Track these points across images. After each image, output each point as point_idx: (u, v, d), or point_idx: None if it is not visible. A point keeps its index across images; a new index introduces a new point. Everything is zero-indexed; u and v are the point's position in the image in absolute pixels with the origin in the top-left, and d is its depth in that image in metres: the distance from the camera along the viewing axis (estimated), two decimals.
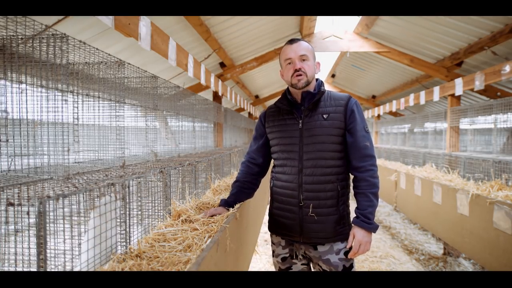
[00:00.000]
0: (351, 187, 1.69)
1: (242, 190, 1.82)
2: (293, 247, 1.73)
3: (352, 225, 1.62)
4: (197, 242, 1.35)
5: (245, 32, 5.02)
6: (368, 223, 1.56)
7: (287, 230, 1.69)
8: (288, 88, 1.73)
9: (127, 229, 1.42)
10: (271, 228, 1.79)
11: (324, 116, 1.61)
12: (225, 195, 2.22)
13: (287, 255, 1.74)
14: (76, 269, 1.13)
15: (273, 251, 1.81)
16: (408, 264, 4.15)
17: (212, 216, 1.70)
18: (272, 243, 1.82)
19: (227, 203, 1.79)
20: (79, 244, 1.18)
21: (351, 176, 1.69)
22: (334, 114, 1.61)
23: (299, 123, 1.65)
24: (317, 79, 1.72)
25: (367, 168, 1.59)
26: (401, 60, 5.58)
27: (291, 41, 1.64)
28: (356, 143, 1.59)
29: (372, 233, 1.59)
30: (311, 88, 1.67)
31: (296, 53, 1.61)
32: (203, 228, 1.52)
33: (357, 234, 1.57)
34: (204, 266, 1.12)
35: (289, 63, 1.63)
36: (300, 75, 1.60)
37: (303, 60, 1.61)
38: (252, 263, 3.82)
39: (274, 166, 1.78)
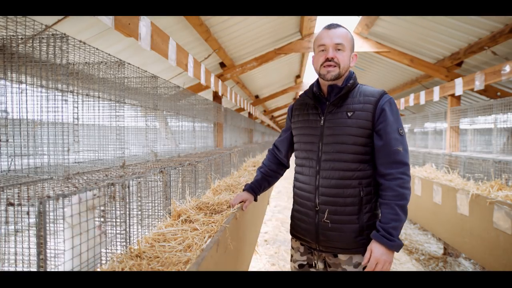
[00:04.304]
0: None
1: (265, 178, 1.80)
2: (312, 256, 1.61)
3: (371, 239, 1.40)
4: (197, 242, 1.35)
5: (245, 32, 5.02)
6: (389, 239, 1.34)
7: (303, 235, 1.58)
8: (317, 79, 1.58)
9: (127, 229, 1.42)
10: (291, 231, 1.70)
11: (349, 113, 1.44)
12: (225, 195, 2.22)
13: (305, 262, 1.64)
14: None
15: (292, 256, 1.72)
16: (408, 264, 4.15)
17: (241, 202, 1.79)
18: (292, 247, 1.72)
19: (251, 188, 1.80)
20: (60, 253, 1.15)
21: None
22: (360, 112, 1.43)
23: (321, 120, 1.50)
24: (349, 71, 1.54)
25: (396, 176, 1.38)
26: (401, 60, 5.59)
27: (329, 26, 1.47)
28: (386, 147, 1.40)
29: (395, 252, 1.37)
30: (339, 81, 1.50)
31: (332, 40, 1.43)
32: (203, 228, 1.52)
33: (374, 250, 1.36)
34: (204, 266, 1.12)
35: (322, 50, 1.46)
36: (331, 66, 1.44)
37: (339, 49, 1.44)
38: (252, 263, 3.82)
39: (295, 165, 1.67)
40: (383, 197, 1.41)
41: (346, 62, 1.45)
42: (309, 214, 1.54)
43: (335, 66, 1.44)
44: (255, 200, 1.86)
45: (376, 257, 1.35)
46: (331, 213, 1.46)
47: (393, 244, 1.34)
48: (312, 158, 1.52)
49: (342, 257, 1.49)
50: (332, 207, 1.46)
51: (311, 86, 1.58)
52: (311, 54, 7.75)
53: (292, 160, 1.77)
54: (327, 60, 1.43)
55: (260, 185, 1.80)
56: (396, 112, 1.44)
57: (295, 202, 1.65)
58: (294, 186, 1.65)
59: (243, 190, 1.83)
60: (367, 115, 1.42)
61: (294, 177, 1.65)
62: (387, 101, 1.43)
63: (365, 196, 1.45)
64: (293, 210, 1.67)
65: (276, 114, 18.79)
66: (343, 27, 1.47)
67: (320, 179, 1.49)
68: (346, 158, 1.44)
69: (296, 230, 1.64)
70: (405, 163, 1.40)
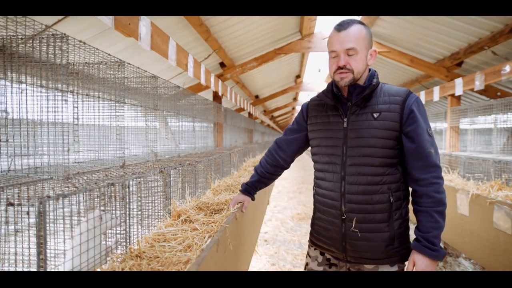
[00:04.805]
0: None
1: (261, 180, 1.76)
2: (330, 268, 1.53)
3: (412, 250, 1.33)
4: (197, 242, 1.35)
5: (245, 32, 5.02)
6: (432, 250, 1.26)
7: (328, 245, 1.48)
8: None
9: (127, 229, 1.42)
10: (311, 240, 1.60)
11: (374, 115, 1.34)
12: (225, 195, 2.22)
13: None
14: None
15: (307, 264, 1.62)
16: None
17: (238, 203, 1.84)
18: (308, 255, 1.62)
19: (246, 190, 1.80)
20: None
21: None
22: (386, 113, 1.33)
23: (344, 122, 1.40)
24: (370, 69, 1.44)
25: (431, 181, 1.30)
26: (401, 60, 5.59)
27: (339, 27, 1.34)
28: (418, 150, 1.31)
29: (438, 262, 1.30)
30: (360, 81, 1.40)
31: (342, 45, 1.32)
32: (203, 228, 1.52)
33: (418, 262, 1.28)
34: (204, 266, 1.12)
35: (334, 56, 1.37)
36: (344, 73, 1.35)
37: (350, 54, 1.33)
38: (252, 263, 3.82)
39: (315, 170, 1.58)
40: (420, 204, 1.32)
41: (360, 66, 1.35)
42: (334, 223, 1.43)
43: (348, 73, 1.34)
44: (253, 199, 1.86)
45: (421, 269, 1.28)
46: (358, 221, 1.36)
47: (437, 254, 1.26)
48: (335, 163, 1.41)
49: (367, 266, 1.41)
50: (359, 215, 1.36)
51: (330, 85, 1.48)
52: (311, 54, 7.76)
53: (300, 163, 1.73)
54: (339, 67, 1.35)
55: (256, 186, 1.79)
56: (423, 112, 1.35)
57: (317, 210, 1.55)
58: (316, 193, 1.54)
59: (239, 191, 1.83)
60: (394, 116, 1.33)
61: (315, 183, 1.55)
62: (415, 101, 1.34)
63: (395, 202, 1.35)
64: (315, 218, 1.56)
65: (276, 114, 18.79)
66: (356, 22, 1.34)
67: (345, 185, 1.38)
68: (374, 162, 1.34)
69: (318, 240, 1.53)
70: (437, 165, 1.32)
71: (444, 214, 1.30)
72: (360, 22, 1.36)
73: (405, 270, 1.36)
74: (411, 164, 1.34)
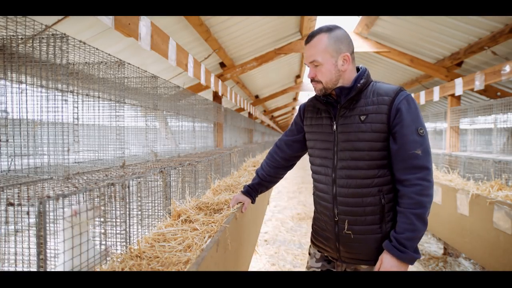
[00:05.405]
0: None
1: (263, 183, 1.77)
2: (329, 264, 1.56)
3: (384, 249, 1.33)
4: (197, 242, 1.35)
5: (245, 32, 5.02)
6: (401, 251, 1.24)
7: (324, 245, 1.53)
8: None
9: (127, 229, 1.42)
10: (312, 238, 1.64)
11: (362, 117, 1.33)
12: (225, 195, 2.22)
13: (318, 270, 1.59)
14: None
15: (307, 262, 1.67)
16: None
17: (238, 203, 1.84)
18: (309, 253, 1.68)
19: (247, 192, 1.81)
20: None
21: None
22: (374, 115, 1.31)
23: (334, 125, 1.40)
24: (360, 68, 1.42)
25: (413, 183, 1.26)
26: (401, 60, 5.59)
27: (305, 41, 1.39)
28: (401, 151, 1.28)
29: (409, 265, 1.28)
30: (347, 82, 1.38)
31: (306, 59, 1.38)
32: (203, 228, 1.52)
33: (385, 262, 1.28)
34: (204, 266, 1.12)
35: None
36: (315, 84, 1.40)
37: (315, 66, 1.36)
38: (252, 263, 3.82)
39: (311, 172, 1.60)
40: (399, 205, 1.31)
41: (327, 76, 1.35)
42: (328, 224, 1.45)
43: (317, 84, 1.38)
44: (253, 202, 1.86)
45: (386, 268, 1.28)
46: (350, 224, 1.37)
47: (405, 256, 1.24)
48: (327, 166, 1.43)
49: (362, 266, 1.43)
50: (351, 217, 1.37)
51: None
52: None
53: (300, 163, 1.74)
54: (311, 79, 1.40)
55: (257, 189, 1.80)
56: (414, 110, 1.30)
57: (315, 210, 1.58)
58: (314, 193, 1.58)
59: (241, 191, 1.84)
60: (382, 118, 1.30)
61: (313, 184, 1.58)
62: (404, 99, 1.29)
63: (387, 204, 1.34)
64: (314, 218, 1.60)
65: (276, 114, 18.79)
66: (322, 31, 1.34)
67: (337, 188, 1.39)
68: (363, 165, 1.33)
69: (316, 239, 1.58)
70: (424, 167, 1.27)
71: (423, 217, 1.26)
72: (328, 30, 1.34)
73: (374, 269, 1.34)
74: (395, 166, 1.32)
